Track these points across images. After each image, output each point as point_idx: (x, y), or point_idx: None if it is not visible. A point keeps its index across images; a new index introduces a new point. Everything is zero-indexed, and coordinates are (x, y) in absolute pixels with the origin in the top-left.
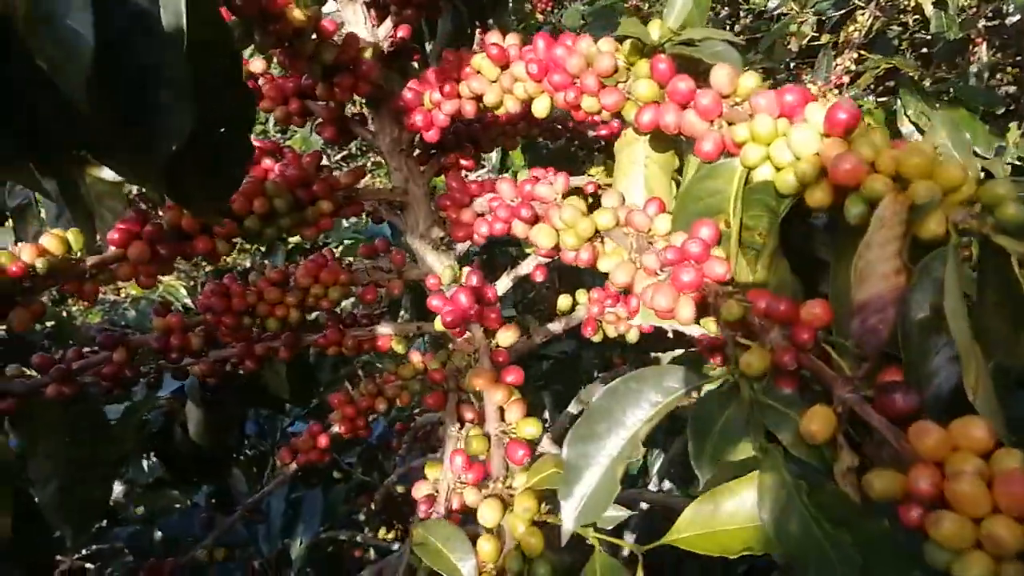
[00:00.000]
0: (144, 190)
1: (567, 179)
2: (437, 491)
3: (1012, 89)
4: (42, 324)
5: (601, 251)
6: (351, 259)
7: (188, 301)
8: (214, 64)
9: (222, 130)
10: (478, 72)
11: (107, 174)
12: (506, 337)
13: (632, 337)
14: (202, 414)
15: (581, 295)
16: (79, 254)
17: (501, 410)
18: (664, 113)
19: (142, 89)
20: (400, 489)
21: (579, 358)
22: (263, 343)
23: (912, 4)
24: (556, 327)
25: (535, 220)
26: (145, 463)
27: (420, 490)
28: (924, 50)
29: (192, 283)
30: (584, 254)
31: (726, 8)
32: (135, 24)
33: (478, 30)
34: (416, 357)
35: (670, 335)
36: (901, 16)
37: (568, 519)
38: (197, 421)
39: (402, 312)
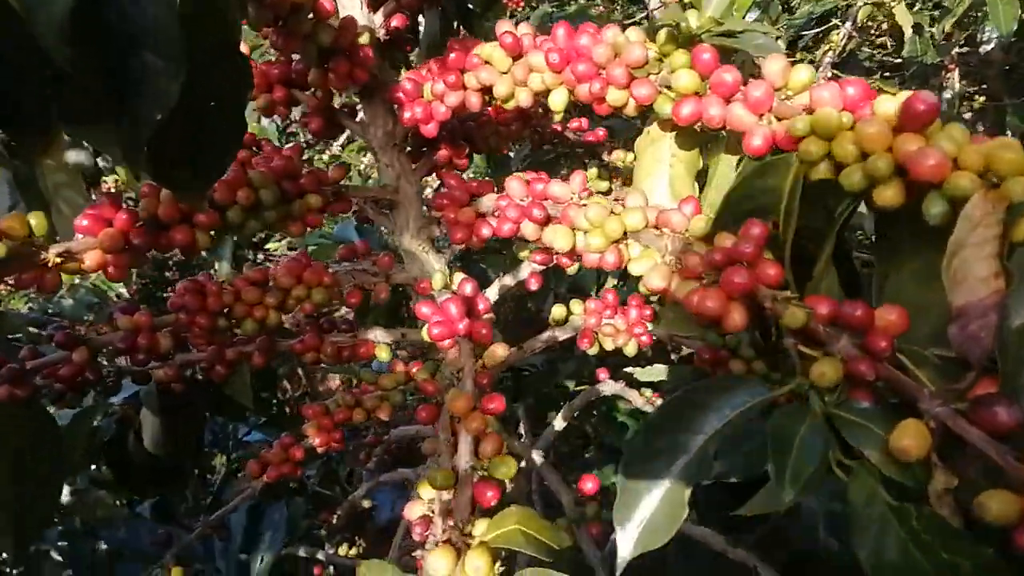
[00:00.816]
0: (117, 172)
1: (584, 178)
2: (433, 512)
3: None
4: None
5: (626, 254)
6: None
7: (123, 290)
8: (209, 29)
9: (212, 104)
10: (487, 63)
11: (70, 156)
12: (497, 354)
13: (631, 350)
14: (159, 422)
15: (576, 305)
16: (42, 240)
17: (476, 441)
18: (708, 106)
19: (127, 50)
20: (366, 504)
21: (554, 371)
22: (235, 348)
23: (887, 26)
24: (547, 338)
25: (547, 221)
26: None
27: (413, 511)
28: (891, 73)
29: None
30: (610, 256)
31: None
32: None
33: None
34: (399, 366)
35: (670, 348)
36: (876, 38)
37: (625, 548)
38: (153, 429)
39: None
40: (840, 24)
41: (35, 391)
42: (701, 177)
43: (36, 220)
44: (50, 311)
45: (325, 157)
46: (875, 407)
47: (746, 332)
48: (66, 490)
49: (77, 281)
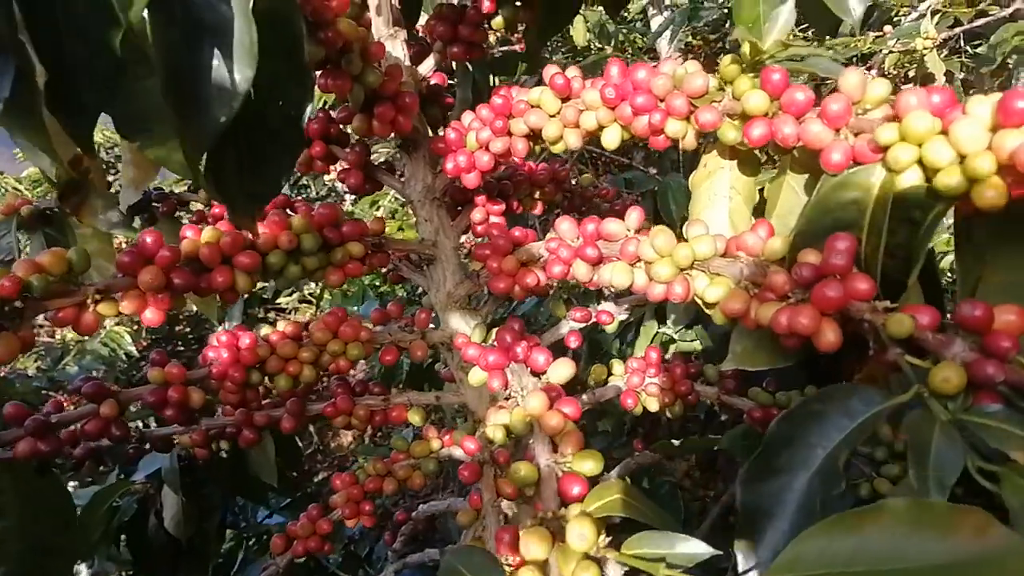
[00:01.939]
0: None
1: (642, 213)
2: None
3: None
4: None
5: (692, 286)
6: None
7: (132, 348)
8: (278, 39)
9: (273, 114)
10: (536, 107)
11: (104, 216)
12: (559, 373)
13: (676, 412)
14: (180, 501)
15: (616, 365)
16: (81, 278)
17: (553, 442)
18: (782, 125)
19: (197, 45)
20: None
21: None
22: (264, 411)
23: (914, 74)
24: (587, 399)
25: (600, 260)
26: None
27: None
28: None
29: (136, 328)
30: (678, 287)
31: None
32: None
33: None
34: (432, 433)
35: (716, 409)
36: (903, 84)
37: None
38: (175, 509)
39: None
40: (867, 72)
41: (59, 447)
42: (756, 212)
43: (76, 256)
44: (55, 377)
45: None
46: (1008, 409)
47: (796, 391)
48: (86, 572)
49: (85, 340)
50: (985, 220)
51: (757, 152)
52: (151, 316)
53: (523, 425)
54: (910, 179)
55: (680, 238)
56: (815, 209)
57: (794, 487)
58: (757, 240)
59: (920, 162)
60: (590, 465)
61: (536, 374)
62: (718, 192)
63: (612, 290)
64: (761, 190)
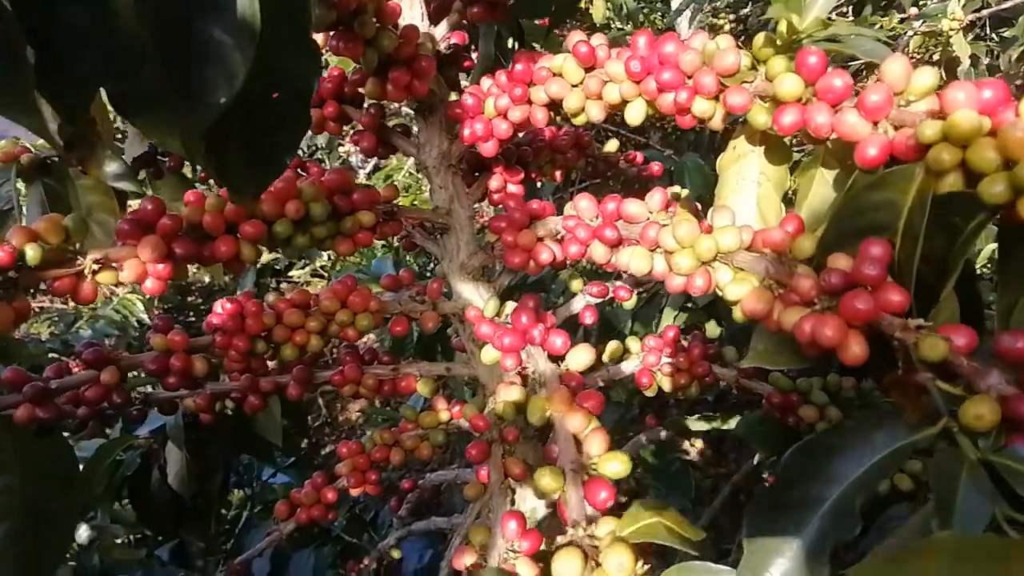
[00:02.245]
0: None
1: (666, 194)
2: (485, 561)
3: None
4: None
5: (715, 277)
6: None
7: (144, 316)
8: (283, 13)
9: (277, 91)
10: (557, 75)
11: (109, 168)
12: (578, 359)
13: (692, 393)
14: (184, 458)
15: (633, 342)
16: (79, 245)
17: (577, 442)
18: (815, 113)
19: (195, 22)
20: (396, 555)
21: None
22: (270, 377)
23: (939, 57)
24: (600, 375)
25: (619, 243)
26: None
27: (463, 559)
28: None
29: (149, 297)
30: (699, 280)
31: None
32: None
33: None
34: (441, 404)
35: (730, 390)
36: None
37: None
38: (179, 465)
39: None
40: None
41: (59, 415)
42: (785, 200)
43: (73, 223)
44: (69, 340)
45: None
46: None
47: (818, 378)
48: (84, 528)
49: (97, 308)
50: None
51: (788, 139)
52: (151, 286)
53: (540, 417)
54: (951, 183)
55: (699, 218)
56: (847, 208)
57: (804, 527)
58: (785, 236)
59: (964, 164)
60: (617, 467)
61: (554, 358)
62: (747, 177)
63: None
64: (793, 177)
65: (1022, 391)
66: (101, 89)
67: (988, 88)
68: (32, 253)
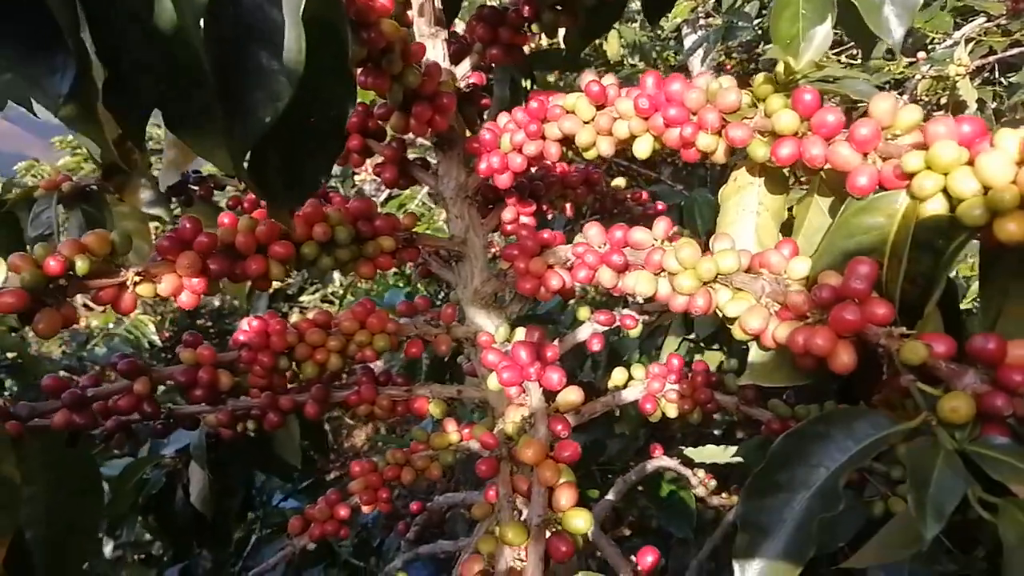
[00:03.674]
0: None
1: (670, 223)
2: (493, 569)
3: None
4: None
5: (715, 298)
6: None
7: (155, 338)
8: (324, 43)
9: (317, 114)
10: (570, 112)
11: (143, 196)
12: (570, 398)
13: (695, 419)
14: (207, 477)
15: (637, 370)
16: (122, 259)
17: (550, 492)
18: (810, 146)
19: (246, 47)
20: None
21: (600, 448)
22: (289, 395)
23: (949, 102)
24: (606, 402)
25: (625, 268)
26: None
27: (471, 569)
28: None
29: (160, 318)
30: (700, 299)
31: None
32: None
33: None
34: (452, 426)
35: (735, 422)
36: (934, 111)
37: None
38: (201, 484)
39: None
40: (898, 97)
41: (94, 422)
42: (783, 229)
43: (120, 238)
44: (84, 357)
45: None
46: (1014, 443)
47: (816, 404)
48: (110, 544)
49: (111, 326)
50: (1010, 251)
51: (786, 171)
52: (186, 299)
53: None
54: (934, 207)
55: (706, 248)
56: (838, 231)
57: (793, 506)
58: (780, 259)
59: (945, 191)
60: (581, 523)
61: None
62: (746, 207)
63: (636, 298)
64: (790, 208)
65: (994, 387)
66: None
67: (967, 123)
68: (81, 264)
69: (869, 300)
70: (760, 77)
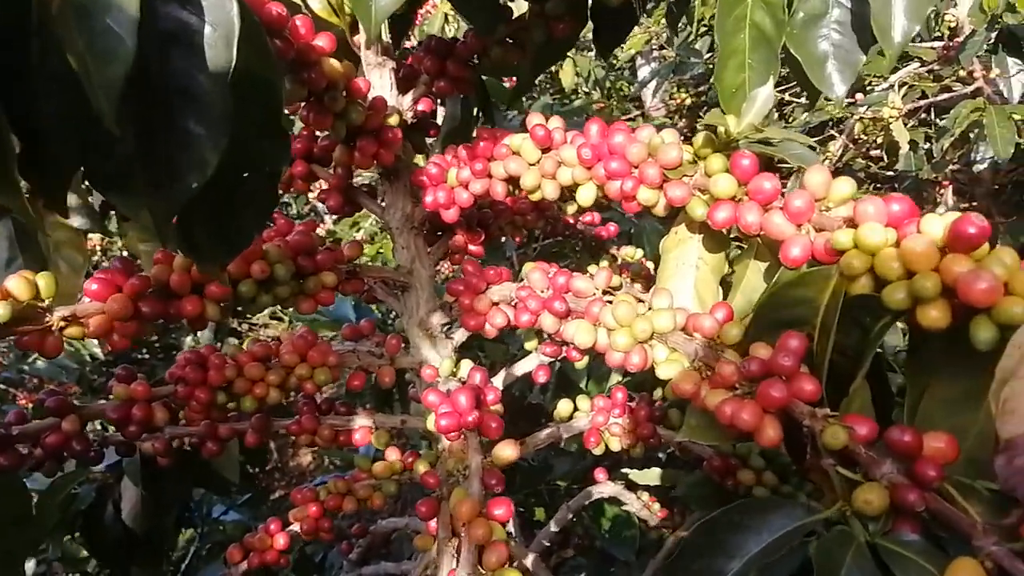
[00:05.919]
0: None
1: (610, 274)
2: None
3: None
4: None
5: (651, 355)
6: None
7: (98, 351)
8: (256, 101)
9: (247, 174)
10: (516, 153)
11: (75, 213)
12: (505, 454)
13: (637, 453)
14: (140, 493)
15: (583, 401)
16: (47, 302)
17: (480, 551)
18: (746, 212)
19: (171, 113)
20: None
21: (547, 468)
22: (228, 424)
23: (882, 141)
24: (549, 435)
25: (567, 314)
26: None
27: None
28: (883, 186)
29: None
30: (635, 357)
31: None
32: (175, 38)
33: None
34: (394, 455)
35: (676, 452)
36: (871, 150)
37: None
38: (133, 501)
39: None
40: (837, 135)
41: (20, 462)
42: (724, 282)
43: (44, 281)
44: (24, 371)
45: (321, 232)
46: (923, 540)
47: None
48: (32, 563)
49: None
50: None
51: (724, 230)
52: (117, 341)
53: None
54: (862, 285)
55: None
56: (771, 301)
57: None
58: (713, 323)
59: (873, 271)
60: None
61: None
62: (686, 261)
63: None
64: (731, 262)
65: (911, 481)
66: None
67: (896, 203)
68: (3, 311)
69: (797, 376)
70: (700, 137)
